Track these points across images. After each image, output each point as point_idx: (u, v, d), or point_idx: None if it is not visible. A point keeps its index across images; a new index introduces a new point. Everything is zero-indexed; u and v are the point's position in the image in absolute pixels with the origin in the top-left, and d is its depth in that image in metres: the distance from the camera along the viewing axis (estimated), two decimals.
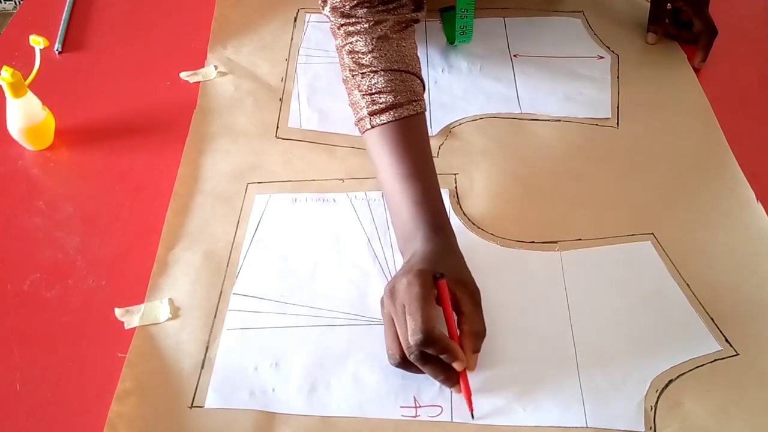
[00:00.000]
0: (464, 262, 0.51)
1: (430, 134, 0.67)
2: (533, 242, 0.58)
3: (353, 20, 0.59)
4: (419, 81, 0.59)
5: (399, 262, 0.56)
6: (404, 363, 0.47)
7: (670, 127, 0.69)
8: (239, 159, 0.64)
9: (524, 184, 0.63)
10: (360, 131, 0.57)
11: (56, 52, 0.75)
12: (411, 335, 0.45)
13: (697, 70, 0.75)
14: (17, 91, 0.60)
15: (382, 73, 0.56)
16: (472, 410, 0.47)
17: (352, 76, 0.57)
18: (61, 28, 0.77)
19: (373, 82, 0.56)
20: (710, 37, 0.75)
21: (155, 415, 0.47)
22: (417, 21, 0.62)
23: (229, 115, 0.68)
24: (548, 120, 0.69)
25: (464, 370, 0.46)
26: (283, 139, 0.66)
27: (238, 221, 0.59)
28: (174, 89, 0.71)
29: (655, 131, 0.69)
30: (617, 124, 0.69)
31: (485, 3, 0.82)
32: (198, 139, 0.66)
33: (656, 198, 0.62)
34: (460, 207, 0.60)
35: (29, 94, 0.61)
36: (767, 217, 0.60)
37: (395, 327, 0.47)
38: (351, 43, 0.58)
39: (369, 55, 0.57)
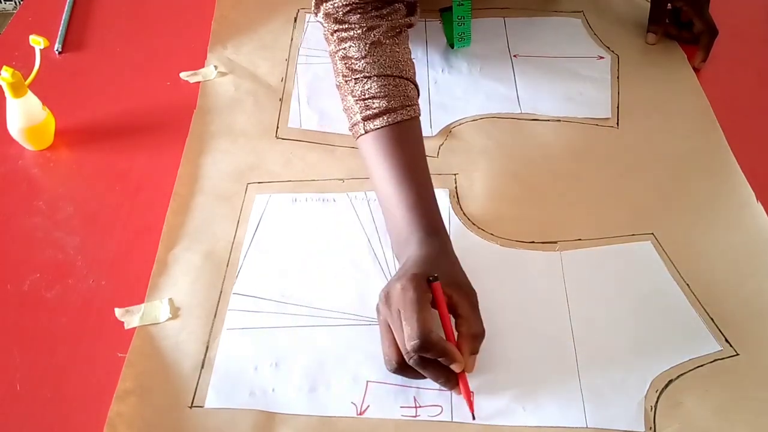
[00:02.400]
0: (459, 264, 0.51)
1: (430, 134, 0.67)
2: (533, 242, 0.58)
3: (346, 26, 0.59)
4: (413, 86, 0.59)
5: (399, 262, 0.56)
6: (402, 368, 0.47)
7: (670, 127, 0.69)
8: (239, 159, 0.64)
9: (524, 184, 0.63)
10: (354, 137, 0.57)
11: (56, 52, 0.75)
12: (408, 340, 0.45)
13: (697, 70, 0.75)
14: (17, 91, 0.60)
15: (375, 78, 0.56)
16: (472, 411, 0.47)
17: (345, 81, 0.58)
18: (61, 28, 0.77)
19: (366, 87, 0.56)
20: (710, 37, 0.75)
21: (155, 414, 0.47)
22: (410, 26, 0.62)
23: (229, 115, 0.68)
24: (548, 120, 0.69)
25: (463, 371, 0.46)
26: (283, 139, 0.66)
27: (238, 221, 0.59)
28: (174, 89, 0.71)
29: (655, 131, 0.69)
30: (617, 124, 0.69)
31: (485, 3, 0.82)
32: (198, 139, 0.66)
33: (656, 198, 0.62)
34: (460, 207, 0.60)
35: (29, 94, 0.61)
36: (767, 217, 0.60)
37: (392, 333, 0.47)
38: (344, 48, 0.58)
39: (362, 61, 0.57)
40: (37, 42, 0.61)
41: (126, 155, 0.64)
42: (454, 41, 0.74)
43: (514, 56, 0.76)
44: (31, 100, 0.62)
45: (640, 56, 0.77)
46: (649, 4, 0.80)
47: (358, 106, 0.56)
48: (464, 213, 0.60)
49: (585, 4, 0.83)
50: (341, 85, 0.58)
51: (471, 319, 0.48)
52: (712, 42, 0.75)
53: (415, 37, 0.78)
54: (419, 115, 0.58)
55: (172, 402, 0.47)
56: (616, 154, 0.66)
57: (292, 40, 0.77)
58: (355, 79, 0.57)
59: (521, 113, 0.70)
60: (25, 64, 0.63)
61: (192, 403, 0.48)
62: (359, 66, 0.57)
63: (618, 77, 0.74)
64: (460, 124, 0.68)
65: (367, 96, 0.56)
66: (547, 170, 0.64)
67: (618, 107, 0.71)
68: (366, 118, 0.55)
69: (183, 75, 0.72)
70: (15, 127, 0.62)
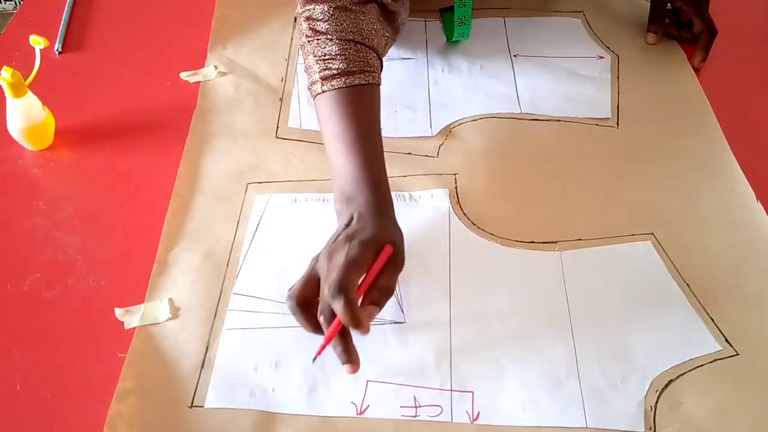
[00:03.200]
0: (397, 225, 0.52)
1: (430, 134, 0.67)
2: (533, 242, 0.58)
3: None
4: (375, 55, 0.59)
5: None
6: (301, 307, 0.47)
7: (669, 126, 0.69)
8: (239, 159, 0.64)
9: (524, 184, 0.63)
10: (311, 96, 0.58)
11: (56, 53, 0.75)
12: (331, 286, 0.45)
13: (697, 70, 0.75)
14: (17, 91, 0.60)
15: (337, 41, 0.57)
16: (317, 355, 0.47)
17: (308, 41, 0.58)
18: (61, 28, 0.77)
19: (326, 49, 0.57)
20: (710, 37, 0.75)
21: (155, 414, 0.47)
22: (383, 5, 0.62)
23: (229, 115, 0.68)
24: (548, 120, 0.69)
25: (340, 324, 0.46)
26: (283, 139, 0.66)
27: (238, 221, 0.59)
28: (174, 89, 0.71)
29: (655, 131, 0.69)
30: (617, 124, 0.69)
31: (485, 3, 0.82)
32: (198, 139, 0.66)
33: (656, 198, 0.62)
34: (460, 207, 0.60)
35: (29, 94, 0.62)
36: (767, 216, 0.60)
37: (314, 274, 0.48)
38: (309, 9, 0.58)
39: (325, 23, 0.57)
40: (37, 42, 0.61)
41: (126, 155, 0.64)
42: (454, 27, 0.74)
43: (514, 56, 0.76)
44: (31, 100, 0.62)
45: (640, 56, 0.77)
46: (648, 4, 0.80)
47: (318, 66, 0.56)
48: (464, 213, 0.60)
49: (585, 4, 0.83)
50: (304, 44, 0.58)
51: (390, 277, 0.48)
52: (711, 42, 0.75)
53: (416, 36, 0.78)
54: (378, 84, 0.58)
55: (172, 402, 0.47)
56: (615, 154, 0.66)
57: (292, 39, 0.77)
58: (317, 39, 0.57)
59: (521, 113, 0.70)
60: (25, 64, 0.63)
61: (192, 403, 0.48)
62: (322, 27, 0.57)
63: (618, 77, 0.74)
64: (460, 124, 0.68)
65: (327, 57, 0.56)
66: (547, 170, 0.64)
67: (618, 107, 0.71)
68: (324, 78, 0.56)
69: (183, 75, 0.72)
70: (15, 127, 0.62)
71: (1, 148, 0.64)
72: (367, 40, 0.58)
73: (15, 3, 1.72)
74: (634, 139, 0.68)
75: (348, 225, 0.50)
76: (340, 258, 0.47)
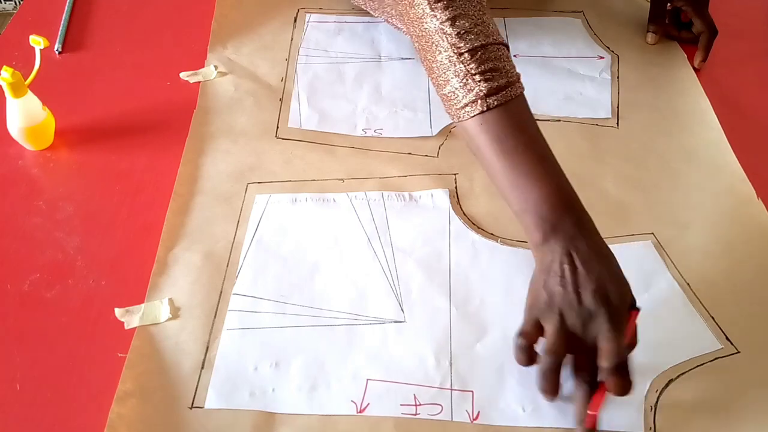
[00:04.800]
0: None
1: (430, 134, 0.67)
2: None
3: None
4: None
5: (399, 262, 0.56)
6: (558, 358, 0.46)
7: (670, 126, 0.69)
8: (239, 159, 0.64)
9: None
10: (462, 118, 0.51)
11: (56, 52, 0.75)
12: (611, 354, 0.44)
13: (697, 70, 0.75)
14: (17, 91, 0.60)
15: (492, 45, 0.51)
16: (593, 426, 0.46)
17: (458, 55, 0.50)
18: (61, 28, 0.77)
19: (484, 57, 0.50)
20: (710, 37, 0.75)
21: (155, 415, 0.47)
22: None
23: (229, 115, 0.68)
24: (548, 120, 0.69)
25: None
26: (283, 139, 0.66)
27: (238, 221, 0.59)
28: (174, 89, 0.71)
29: (655, 131, 0.69)
30: (617, 124, 0.69)
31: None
32: (198, 139, 0.66)
33: (656, 197, 0.62)
34: (461, 207, 0.60)
35: (29, 94, 0.61)
36: (767, 215, 0.60)
37: (561, 324, 0.45)
38: (451, 18, 0.51)
39: (473, 31, 0.50)
40: (37, 42, 0.61)
41: (126, 155, 0.64)
42: None
43: (515, 56, 0.76)
44: (31, 100, 0.62)
45: (640, 56, 0.77)
46: (648, 4, 0.80)
47: (475, 81, 0.49)
48: (464, 213, 0.60)
49: (585, 4, 0.83)
50: (445, 62, 0.51)
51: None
52: (711, 42, 0.75)
53: None
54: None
55: (172, 403, 0.47)
56: (615, 154, 0.66)
57: (292, 39, 0.78)
58: (473, 51, 0.50)
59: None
60: (25, 64, 0.63)
61: (192, 403, 0.48)
62: (472, 36, 0.50)
63: (618, 77, 0.74)
64: None
65: (487, 69, 0.49)
66: None
67: (618, 107, 0.71)
68: (489, 93, 0.49)
69: (183, 75, 0.72)
70: (15, 127, 0.62)
71: (1, 148, 0.64)
72: (503, 38, 0.53)
73: (15, 3, 1.72)
74: (635, 139, 0.68)
75: (571, 267, 0.46)
76: (603, 326, 0.45)
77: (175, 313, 0.52)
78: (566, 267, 0.46)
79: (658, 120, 0.70)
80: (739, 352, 0.51)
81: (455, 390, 0.48)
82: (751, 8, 0.86)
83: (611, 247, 0.57)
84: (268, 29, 0.79)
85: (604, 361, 0.45)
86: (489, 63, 0.50)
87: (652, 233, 0.59)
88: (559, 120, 0.69)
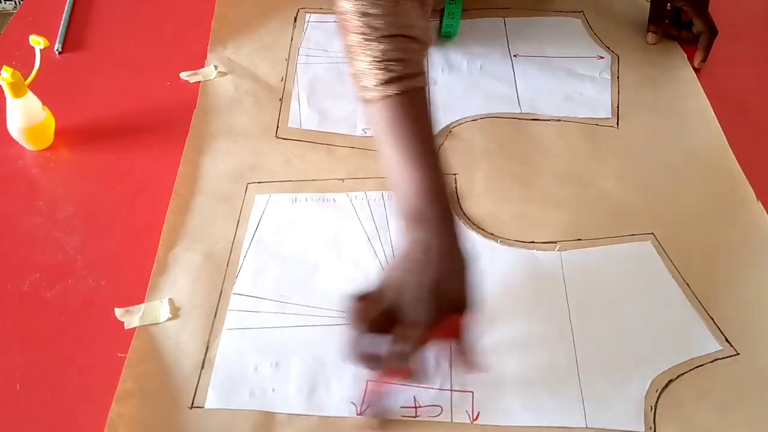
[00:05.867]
0: (467, 254, 0.49)
1: None
2: (533, 242, 0.58)
3: None
4: (426, 52, 0.55)
5: None
6: (368, 327, 0.46)
7: (670, 126, 0.69)
8: (239, 159, 0.64)
9: (524, 184, 0.63)
10: (364, 101, 0.52)
11: (56, 52, 0.75)
12: (417, 339, 0.44)
13: (697, 70, 0.75)
14: (17, 91, 0.60)
15: (399, 39, 0.52)
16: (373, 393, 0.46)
17: (365, 41, 0.52)
18: (61, 28, 0.77)
19: (386, 47, 0.51)
20: (710, 37, 0.75)
21: (156, 415, 0.47)
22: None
23: (229, 115, 0.68)
24: (548, 120, 0.69)
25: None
26: (283, 139, 0.66)
27: (238, 221, 0.59)
28: (174, 89, 0.71)
29: (655, 131, 0.69)
30: (617, 124, 0.69)
31: (485, 3, 0.82)
32: (198, 139, 0.66)
33: (656, 198, 0.62)
34: (461, 207, 0.60)
35: (29, 94, 0.61)
36: (767, 216, 0.60)
37: (392, 309, 0.46)
38: (363, 4, 0.52)
39: (382, 19, 0.52)
40: (37, 42, 0.61)
41: (126, 155, 0.64)
42: (441, 31, 0.74)
43: (514, 56, 0.76)
44: (31, 100, 0.62)
45: (640, 56, 0.77)
46: (648, 4, 0.80)
47: (377, 68, 0.51)
48: (464, 213, 0.60)
49: (585, 4, 0.83)
50: (354, 46, 0.52)
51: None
52: (711, 42, 0.75)
53: None
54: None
55: (172, 403, 0.47)
56: (615, 154, 0.66)
57: (291, 39, 0.77)
58: (377, 39, 0.51)
59: (521, 113, 0.70)
60: (25, 64, 0.63)
61: (192, 403, 0.48)
62: (379, 24, 0.51)
63: (618, 77, 0.74)
64: (460, 124, 0.68)
65: (388, 58, 0.51)
66: (547, 170, 0.64)
67: (618, 107, 0.71)
68: (387, 81, 0.51)
69: (183, 75, 0.72)
70: (15, 127, 0.62)
71: (1, 148, 0.64)
72: (421, 35, 0.53)
73: (15, 3, 1.72)
74: (634, 139, 0.68)
75: (424, 256, 0.47)
76: (423, 314, 0.45)
77: (175, 313, 0.52)
78: (420, 255, 0.47)
79: (658, 120, 0.70)
80: (738, 353, 0.51)
81: (455, 391, 0.48)
82: (751, 8, 0.86)
83: (611, 247, 0.58)
84: (268, 29, 0.79)
85: (403, 345, 0.45)
86: (394, 53, 0.51)
87: (652, 233, 0.59)
88: (560, 120, 0.69)
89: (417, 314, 0.45)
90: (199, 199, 0.60)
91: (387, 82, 0.51)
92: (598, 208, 0.61)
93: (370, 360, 0.46)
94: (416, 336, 0.45)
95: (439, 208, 0.49)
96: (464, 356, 0.47)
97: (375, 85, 0.51)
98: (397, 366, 0.45)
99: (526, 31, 0.79)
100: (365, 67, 0.52)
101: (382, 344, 0.45)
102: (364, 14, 0.52)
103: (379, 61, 0.52)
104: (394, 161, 0.51)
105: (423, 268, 0.47)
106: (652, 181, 0.64)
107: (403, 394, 0.48)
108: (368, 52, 0.52)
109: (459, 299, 0.47)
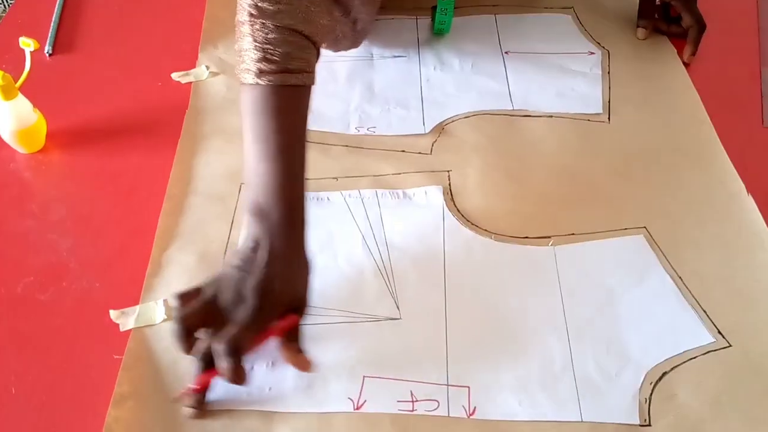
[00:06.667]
0: (308, 262, 0.50)
1: (423, 132, 0.67)
2: (527, 237, 0.58)
3: None
4: (317, 53, 0.54)
5: (395, 260, 0.56)
6: (189, 334, 0.46)
7: (660, 121, 0.70)
8: (232, 159, 0.64)
9: (517, 180, 0.63)
10: (240, 80, 0.51)
11: (46, 55, 0.74)
12: (228, 348, 0.44)
13: (686, 65, 0.76)
14: (8, 94, 0.60)
15: (283, 30, 0.51)
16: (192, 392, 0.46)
17: (250, 21, 0.51)
18: (51, 30, 0.77)
19: (270, 36, 0.50)
20: (699, 31, 0.76)
21: (153, 418, 0.47)
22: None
23: (221, 116, 0.68)
24: (540, 116, 0.69)
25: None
26: None
27: (232, 221, 0.59)
28: (166, 90, 0.71)
29: (646, 125, 0.69)
30: (608, 119, 0.70)
31: (476, 0, 0.82)
32: (191, 140, 0.65)
33: (648, 192, 0.63)
34: (454, 203, 0.61)
35: (20, 96, 0.61)
36: (757, 209, 0.61)
37: (213, 306, 0.46)
38: None
39: (275, 5, 0.50)
40: (27, 44, 0.61)
41: (118, 157, 0.64)
42: (434, 28, 0.74)
43: (506, 53, 0.76)
44: (22, 103, 0.62)
45: (631, 51, 0.77)
46: (638, 0, 0.80)
47: (255, 53, 0.50)
48: (458, 209, 0.60)
49: (575, 0, 0.83)
50: (242, 23, 0.51)
51: (291, 337, 0.49)
52: (700, 36, 0.76)
53: (407, 34, 0.78)
54: (312, 86, 0.53)
55: (168, 404, 0.47)
56: (607, 149, 0.67)
57: None
58: (261, 22, 0.50)
59: (513, 109, 0.70)
60: (16, 66, 0.63)
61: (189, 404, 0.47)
62: (270, 10, 0.50)
63: (609, 72, 0.75)
64: (452, 121, 0.69)
65: (268, 45, 0.50)
66: (540, 166, 0.65)
67: (609, 102, 0.71)
68: (261, 70, 0.50)
69: (174, 76, 0.72)
70: (6, 130, 0.62)
71: None
72: (314, 34, 0.52)
73: (5, 5, 1.71)
74: (626, 134, 0.68)
75: (254, 254, 0.47)
76: (241, 313, 0.45)
77: (171, 314, 0.52)
78: (250, 253, 0.47)
79: (648, 115, 0.70)
80: (731, 345, 0.51)
81: (451, 386, 0.49)
82: (739, 2, 0.86)
83: (604, 241, 0.58)
84: None
85: (216, 342, 0.45)
86: (277, 44, 0.50)
87: (644, 227, 0.59)
88: (551, 116, 0.69)
89: (235, 314, 0.46)
90: (193, 200, 0.60)
91: (263, 71, 0.50)
92: (590, 202, 0.62)
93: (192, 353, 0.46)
94: (231, 335, 0.44)
95: (284, 209, 0.48)
96: (293, 356, 0.48)
97: (251, 70, 0.50)
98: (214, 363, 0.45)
99: (517, 28, 0.79)
100: (246, 47, 0.51)
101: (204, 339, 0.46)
102: (260, 1, 0.51)
103: (260, 47, 0.50)
104: (250, 151, 0.50)
105: (249, 268, 0.47)
106: (644, 176, 0.64)
107: (399, 389, 0.48)
108: (253, 35, 0.50)
109: (292, 301, 0.47)
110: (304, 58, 0.52)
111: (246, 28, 0.51)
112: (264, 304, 0.46)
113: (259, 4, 0.50)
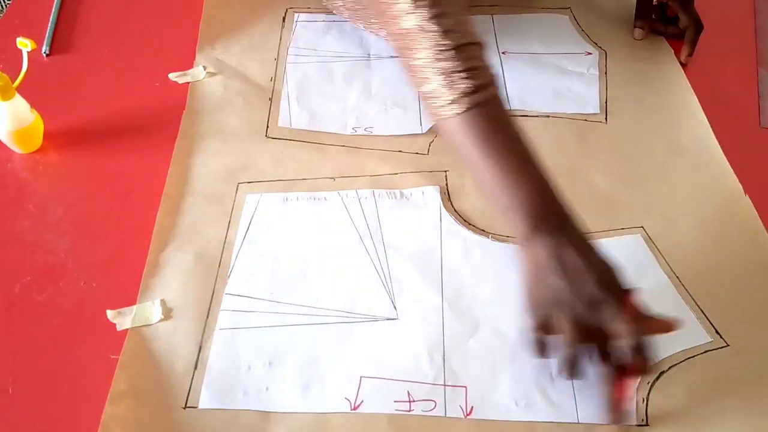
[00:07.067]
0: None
1: (420, 132, 0.67)
2: None
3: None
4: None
5: (391, 259, 0.56)
6: (574, 359, 0.46)
7: (657, 121, 0.70)
8: (229, 159, 0.64)
9: None
10: (441, 117, 0.51)
11: (44, 55, 0.74)
12: (630, 334, 0.45)
13: (683, 65, 0.76)
14: (5, 94, 0.60)
15: (476, 47, 0.51)
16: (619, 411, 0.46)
17: (441, 52, 0.50)
18: (48, 30, 0.77)
19: (467, 56, 0.50)
20: (696, 31, 0.76)
21: (149, 416, 0.47)
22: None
23: (218, 116, 0.68)
24: (537, 116, 0.69)
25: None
26: (273, 138, 0.66)
27: (229, 221, 0.59)
28: (163, 90, 0.71)
29: (643, 126, 0.69)
30: (605, 119, 0.70)
31: (473, 0, 0.82)
32: (188, 140, 0.65)
33: (645, 192, 0.63)
34: (451, 204, 0.61)
35: (17, 97, 0.61)
36: (755, 209, 0.61)
37: (572, 318, 0.45)
38: (437, 15, 0.50)
39: (455, 31, 0.50)
40: (24, 44, 0.61)
41: (116, 157, 0.64)
42: None
43: (503, 53, 0.76)
44: (19, 103, 0.61)
45: (628, 52, 0.77)
46: (635, 0, 0.80)
47: (459, 79, 0.49)
48: (455, 209, 0.60)
49: (572, 1, 0.84)
50: (426, 63, 0.50)
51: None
52: (697, 36, 0.76)
53: None
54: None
55: (165, 403, 0.47)
56: (604, 149, 0.67)
57: (280, 39, 0.77)
58: (457, 50, 0.50)
59: (510, 109, 0.70)
60: (13, 66, 0.63)
61: (186, 404, 0.48)
62: (454, 36, 0.50)
63: (606, 73, 0.75)
64: None
65: (468, 68, 0.50)
66: None
67: (606, 102, 0.71)
68: (472, 92, 0.49)
69: (172, 76, 0.72)
70: (3, 130, 0.62)
71: None
72: (481, 38, 0.52)
73: (2, 5, 1.71)
74: (623, 134, 0.68)
75: (569, 260, 0.47)
76: (610, 311, 0.45)
77: (168, 314, 0.52)
78: (562, 260, 0.47)
79: (645, 115, 0.70)
80: (728, 345, 0.51)
81: (448, 386, 0.49)
82: (736, 3, 0.86)
83: (601, 241, 0.58)
84: (256, 29, 0.79)
85: (624, 343, 0.45)
86: (471, 61, 0.50)
87: (642, 227, 0.59)
88: (548, 116, 0.70)
89: (604, 316, 0.45)
90: (190, 200, 0.60)
91: (471, 92, 0.49)
92: (587, 203, 0.61)
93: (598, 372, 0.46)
94: (632, 330, 0.44)
95: (561, 209, 0.48)
96: (656, 323, 0.47)
97: (452, 101, 0.49)
98: (627, 364, 0.45)
99: (514, 29, 0.79)
100: (441, 81, 0.50)
101: (588, 356, 0.46)
102: (439, 24, 0.50)
103: (460, 71, 0.50)
104: (491, 177, 0.49)
105: (578, 269, 0.46)
106: (641, 176, 0.64)
107: (396, 389, 0.48)
108: (445, 64, 0.50)
109: (622, 278, 0.47)
110: (487, 66, 0.52)
111: (437, 64, 0.50)
112: (617, 293, 0.46)
113: (446, 32, 0.50)
